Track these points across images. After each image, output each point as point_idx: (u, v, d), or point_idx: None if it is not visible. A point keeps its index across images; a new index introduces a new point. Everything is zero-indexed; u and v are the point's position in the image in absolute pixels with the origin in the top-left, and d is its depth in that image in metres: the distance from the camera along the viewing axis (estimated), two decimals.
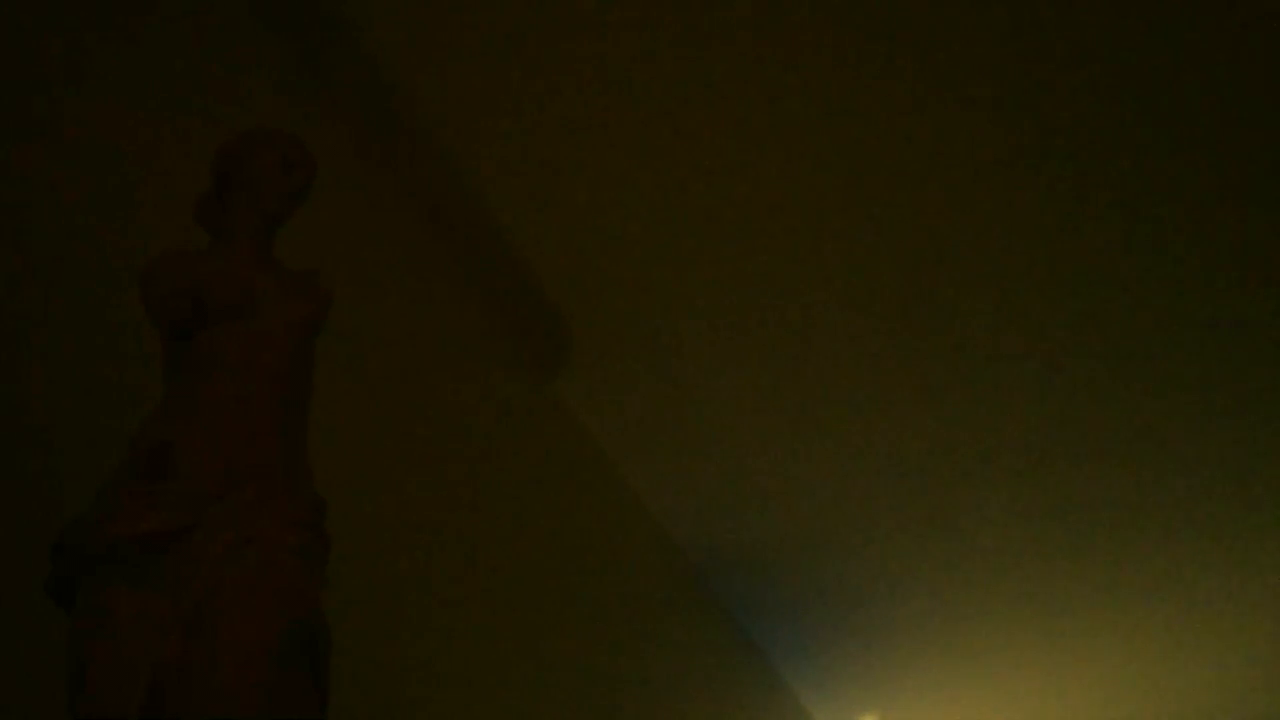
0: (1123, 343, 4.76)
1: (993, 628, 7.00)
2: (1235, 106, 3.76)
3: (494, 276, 4.46)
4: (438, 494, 4.06)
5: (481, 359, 4.60)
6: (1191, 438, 5.30)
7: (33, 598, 2.00)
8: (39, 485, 2.43)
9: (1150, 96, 3.75)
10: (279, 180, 2.15)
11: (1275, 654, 7.08)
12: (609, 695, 5.23)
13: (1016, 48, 3.60)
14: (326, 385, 2.24)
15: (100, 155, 2.79)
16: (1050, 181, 4.05)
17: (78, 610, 1.83)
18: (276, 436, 1.98)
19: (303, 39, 3.53)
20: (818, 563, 6.37)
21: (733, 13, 3.50)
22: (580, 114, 3.83)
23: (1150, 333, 4.69)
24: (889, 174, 4.00)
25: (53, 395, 2.56)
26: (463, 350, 4.45)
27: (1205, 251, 4.31)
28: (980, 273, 4.45)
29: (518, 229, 4.25)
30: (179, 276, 2.02)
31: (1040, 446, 5.41)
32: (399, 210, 4.04)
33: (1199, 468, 5.50)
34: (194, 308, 2.01)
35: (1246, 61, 3.60)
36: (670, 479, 5.70)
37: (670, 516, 5.98)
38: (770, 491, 5.81)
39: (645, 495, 5.79)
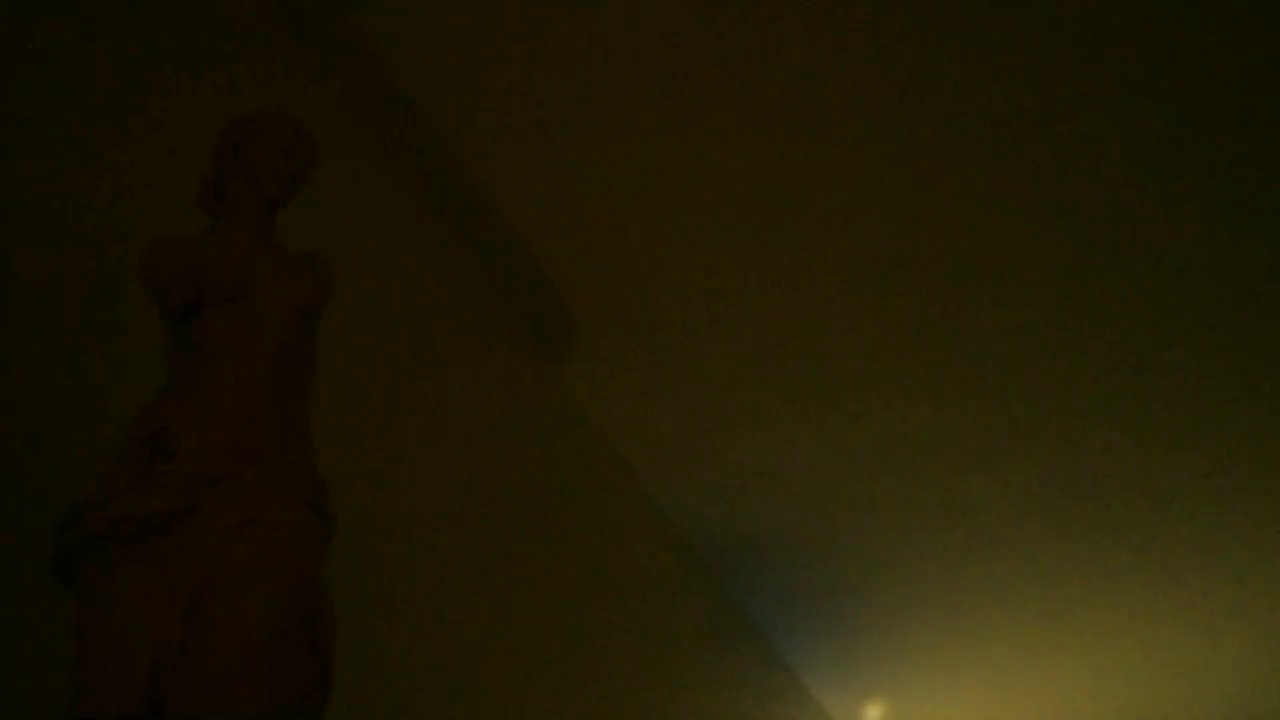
0: (1136, 329, 4.75)
1: (1002, 615, 6.99)
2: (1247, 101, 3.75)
3: (499, 262, 4.46)
4: (442, 478, 4.07)
5: (486, 343, 4.61)
6: (1204, 424, 5.28)
7: (34, 579, 2.01)
8: (40, 468, 2.44)
9: (1162, 87, 3.73)
10: (280, 164, 2.16)
11: None
12: (614, 681, 5.24)
13: (1028, 36, 3.59)
14: (330, 370, 2.24)
15: (101, 139, 2.80)
16: (1059, 163, 4.04)
17: (80, 590, 1.84)
18: (278, 418, 1.98)
19: (306, 22, 3.53)
20: (825, 549, 6.37)
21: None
22: (587, 101, 3.84)
23: (1162, 319, 4.68)
24: (891, 156, 4.00)
25: (53, 378, 2.57)
26: (467, 334, 4.46)
27: (1211, 238, 4.30)
28: (987, 258, 4.44)
29: (523, 215, 4.26)
30: (179, 259, 2.03)
31: (1051, 432, 5.40)
32: (404, 196, 4.05)
33: (1212, 454, 5.49)
34: (195, 290, 2.01)
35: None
36: (677, 465, 5.71)
37: (676, 503, 5.98)
38: (778, 478, 5.81)
39: (651, 481, 5.79)
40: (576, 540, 5.10)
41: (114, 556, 1.82)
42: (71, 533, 1.87)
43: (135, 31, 2.92)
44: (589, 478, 5.39)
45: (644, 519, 5.89)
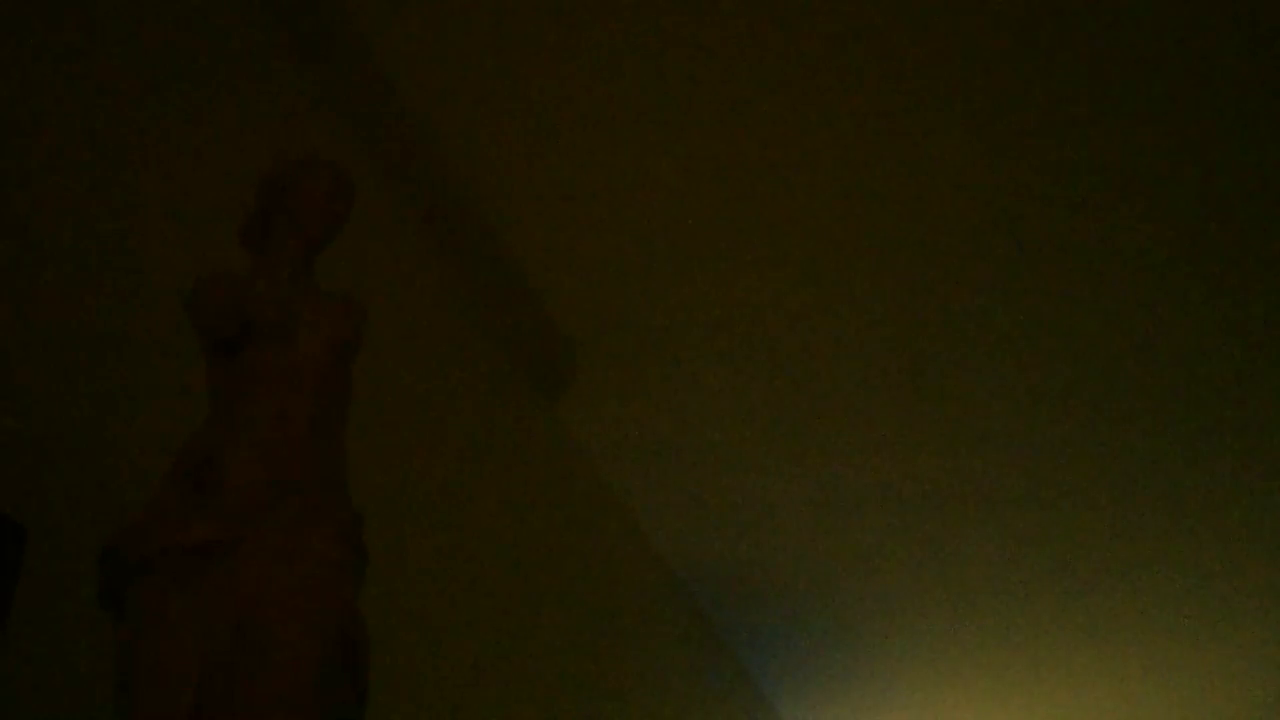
0: (1118, 377, 4.82)
1: (980, 656, 7.05)
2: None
3: (496, 296, 4.51)
4: (434, 507, 4.11)
5: (482, 377, 4.66)
6: (1183, 473, 5.36)
7: (78, 606, 2.06)
8: (84, 495, 2.48)
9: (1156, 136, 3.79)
10: (323, 208, 2.23)
11: (1266, 693, 7.14)
12: (594, 710, 5.27)
13: (1022, 72, 3.63)
14: None
15: (124, 172, 2.85)
16: (1050, 214, 4.10)
17: (127, 617, 1.89)
18: (317, 452, 2.05)
19: (312, 53, 3.57)
20: (809, 588, 6.42)
21: (739, 27, 3.51)
22: (586, 133, 3.87)
23: (1145, 368, 4.75)
24: (890, 197, 4.05)
25: (94, 408, 2.62)
26: (463, 367, 4.50)
27: (1194, 286, 4.37)
28: (978, 303, 4.50)
29: (520, 246, 4.29)
30: (227, 295, 2.09)
31: (1033, 477, 5.47)
32: (401, 225, 4.09)
33: (1189, 503, 5.56)
34: (240, 326, 2.08)
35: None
36: (665, 499, 5.75)
37: (664, 538, 6.03)
38: (765, 516, 5.86)
39: (641, 516, 5.84)
40: (563, 570, 5.14)
41: (160, 583, 1.87)
42: (117, 560, 1.93)
43: (141, 52, 2.96)
44: (577, 510, 5.43)
45: (632, 552, 5.93)
